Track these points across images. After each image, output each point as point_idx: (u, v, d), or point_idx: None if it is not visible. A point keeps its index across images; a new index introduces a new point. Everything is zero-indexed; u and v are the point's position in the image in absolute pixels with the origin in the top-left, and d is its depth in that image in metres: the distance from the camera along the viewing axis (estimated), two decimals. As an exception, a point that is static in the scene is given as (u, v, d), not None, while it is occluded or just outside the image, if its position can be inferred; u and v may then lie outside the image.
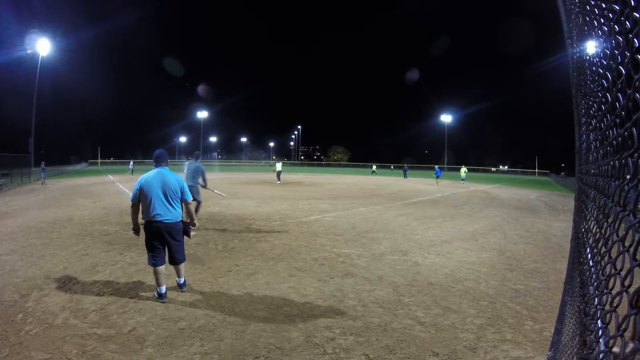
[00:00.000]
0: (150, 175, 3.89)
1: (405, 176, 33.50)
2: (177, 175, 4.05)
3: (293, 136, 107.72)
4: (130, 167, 33.44)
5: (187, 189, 4.06)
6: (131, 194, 3.90)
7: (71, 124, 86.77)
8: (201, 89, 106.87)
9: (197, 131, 74.73)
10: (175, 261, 3.98)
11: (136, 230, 4.00)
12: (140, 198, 3.84)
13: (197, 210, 7.64)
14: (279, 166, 24.07)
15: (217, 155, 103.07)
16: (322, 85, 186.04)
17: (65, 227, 7.58)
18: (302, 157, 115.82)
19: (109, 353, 2.76)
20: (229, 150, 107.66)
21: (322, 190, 18.87)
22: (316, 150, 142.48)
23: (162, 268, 3.85)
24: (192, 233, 4.08)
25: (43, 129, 39.30)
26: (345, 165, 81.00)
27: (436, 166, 30.09)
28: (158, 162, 4.03)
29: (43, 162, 20.82)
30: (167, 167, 4.06)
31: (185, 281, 4.15)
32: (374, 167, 42.84)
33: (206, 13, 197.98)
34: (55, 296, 3.84)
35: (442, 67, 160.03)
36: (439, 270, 5.11)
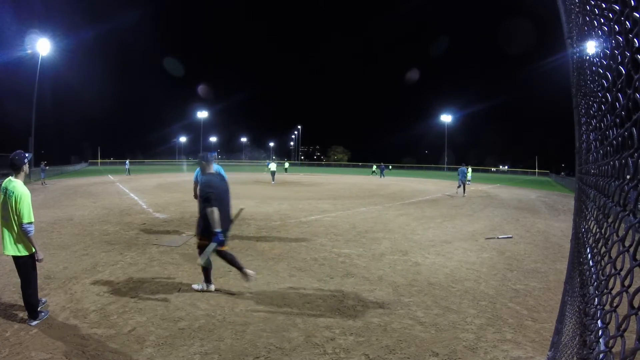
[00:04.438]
0: None
1: (381, 175, 33.47)
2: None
3: (293, 136, 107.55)
4: (126, 167, 32.52)
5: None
6: (194, 177, 6.05)
7: (71, 124, 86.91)
8: (201, 89, 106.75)
9: (197, 131, 74.84)
10: None
11: (195, 196, 5.95)
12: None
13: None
14: (273, 166, 23.96)
15: (217, 155, 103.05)
16: (322, 85, 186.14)
17: (65, 227, 7.58)
18: (302, 157, 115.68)
19: (109, 353, 2.76)
20: (229, 150, 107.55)
21: (322, 190, 18.86)
22: (316, 150, 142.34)
23: None
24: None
25: (43, 129, 39.24)
26: (345, 165, 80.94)
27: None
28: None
29: (43, 162, 20.81)
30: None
31: None
32: (374, 167, 42.80)
33: (206, 13, 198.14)
34: (55, 296, 3.85)
35: (442, 67, 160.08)
36: (439, 270, 5.11)
